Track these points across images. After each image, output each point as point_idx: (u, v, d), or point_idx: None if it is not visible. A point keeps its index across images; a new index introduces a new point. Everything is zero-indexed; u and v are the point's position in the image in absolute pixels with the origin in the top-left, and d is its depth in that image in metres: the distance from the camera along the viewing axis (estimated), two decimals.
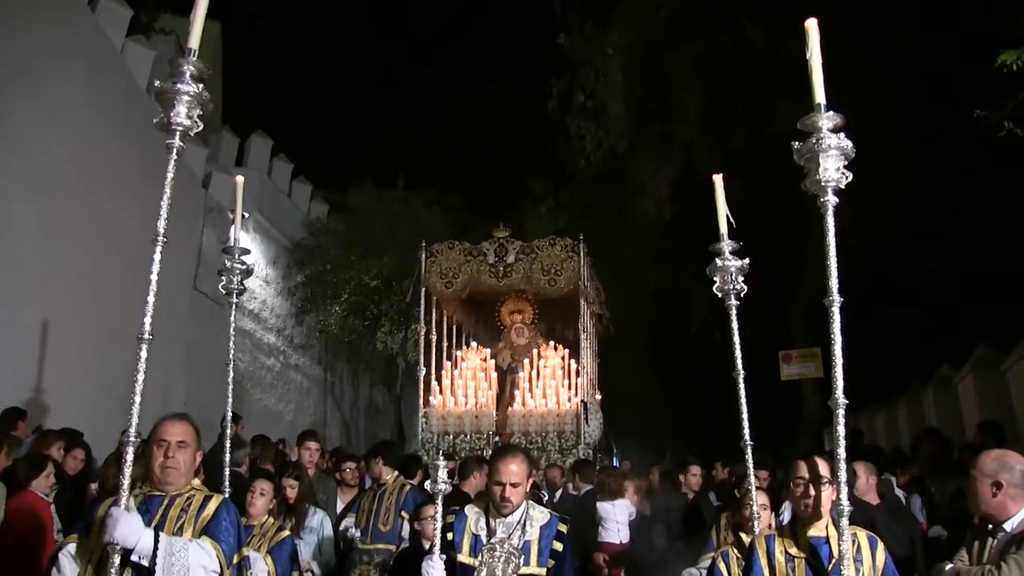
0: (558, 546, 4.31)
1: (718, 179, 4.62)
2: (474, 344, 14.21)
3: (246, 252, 5.23)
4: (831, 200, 3.41)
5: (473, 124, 28.66)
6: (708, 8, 16.56)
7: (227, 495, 5.24)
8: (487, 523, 4.35)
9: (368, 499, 7.66)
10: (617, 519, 8.41)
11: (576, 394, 12.35)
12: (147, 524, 3.70)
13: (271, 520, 5.97)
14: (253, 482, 6.09)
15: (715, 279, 4.55)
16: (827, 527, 3.84)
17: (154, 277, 3.43)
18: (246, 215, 18.49)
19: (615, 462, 16.80)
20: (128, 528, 3.50)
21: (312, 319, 20.61)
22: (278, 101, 27.98)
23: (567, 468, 10.53)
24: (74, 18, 12.66)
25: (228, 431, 5.46)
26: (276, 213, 20.42)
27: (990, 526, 4.02)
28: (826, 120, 3.38)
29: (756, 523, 4.50)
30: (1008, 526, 3.91)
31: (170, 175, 3.50)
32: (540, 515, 4.44)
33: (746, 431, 4.44)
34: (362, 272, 19.76)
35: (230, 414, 5.37)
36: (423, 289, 12.88)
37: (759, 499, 4.96)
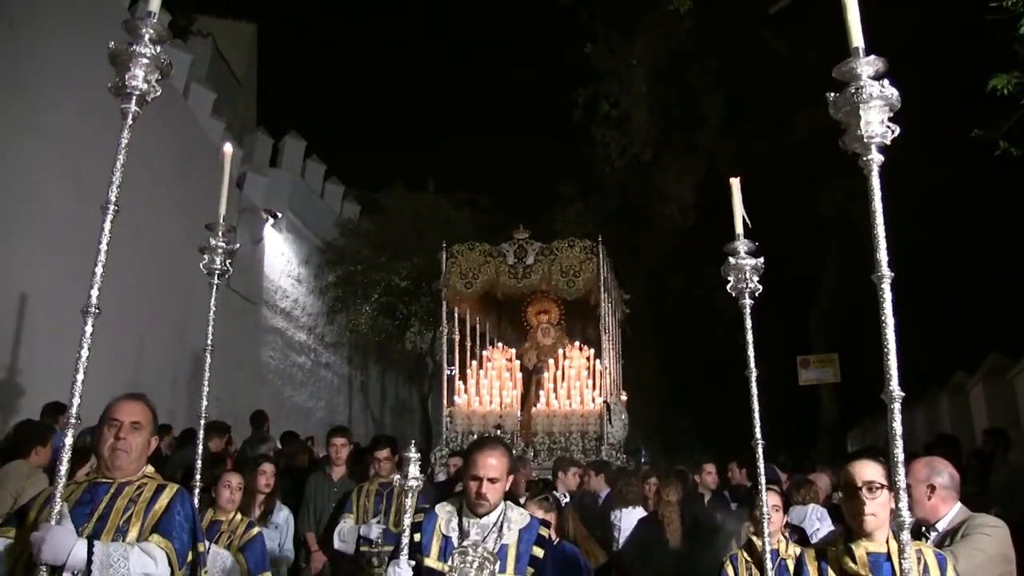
0: (538, 552, 3.81)
1: (735, 182, 4.49)
2: (500, 344, 14.24)
3: (232, 230, 4.79)
4: (876, 159, 2.81)
5: (503, 127, 28.85)
6: (730, 19, 16.56)
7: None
8: (460, 524, 3.86)
9: (369, 499, 7.18)
10: (625, 527, 8.06)
11: (600, 395, 12.35)
12: (89, 514, 3.38)
13: (239, 516, 5.63)
14: (222, 475, 5.79)
15: (729, 278, 4.37)
16: (888, 541, 3.36)
17: (103, 247, 3.11)
18: (279, 215, 18.69)
19: (643, 462, 16.77)
20: (56, 544, 3.05)
21: (343, 318, 20.71)
22: (312, 102, 28.24)
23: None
24: (114, 21, 12.79)
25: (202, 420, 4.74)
26: (308, 213, 20.58)
27: (924, 528, 4.05)
28: (866, 65, 2.79)
29: (767, 524, 4.23)
30: (940, 526, 4.03)
31: (124, 141, 3.18)
32: (519, 517, 3.95)
33: (757, 430, 4.23)
34: (392, 273, 19.86)
35: (204, 404, 4.75)
36: (444, 289, 12.92)
37: (771, 500, 4.82)
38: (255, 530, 5.56)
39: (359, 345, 22.24)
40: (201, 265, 4.71)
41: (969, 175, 13.79)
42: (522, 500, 5.82)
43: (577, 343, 13.37)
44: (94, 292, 3.09)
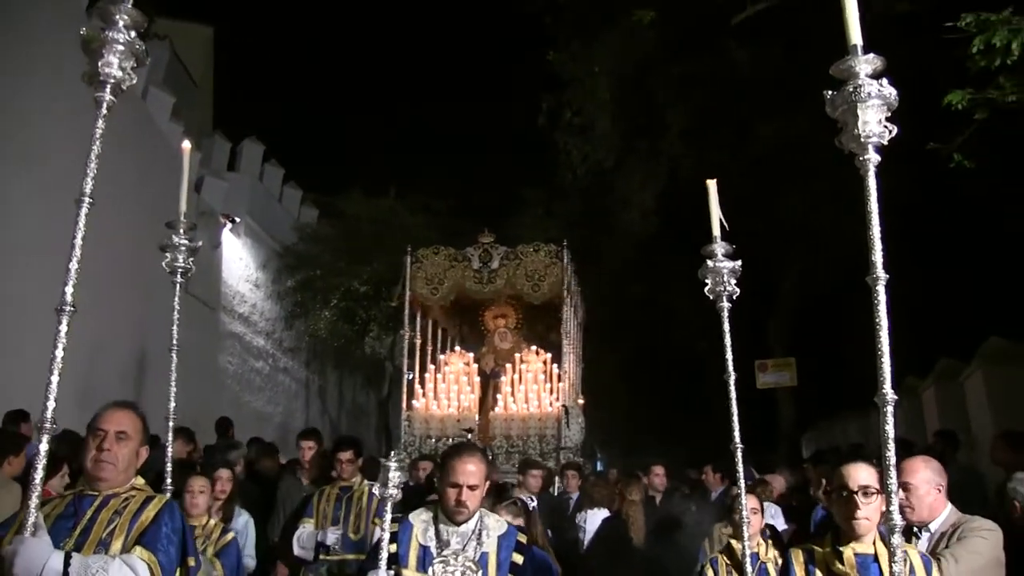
0: (518, 559, 3.81)
1: (712, 184, 4.54)
2: (458, 348, 14.23)
3: (193, 227, 4.69)
4: (872, 159, 2.78)
5: (465, 132, 28.83)
6: (694, 28, 16.70)
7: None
8: (436, 532, 3.80)
9: (329, 503, 6.99)
10: (590, 528, 8.08)
11: (558, 398, 12.38)
12: (72, 528, 3.21)
13: (214, 521, 5.62)
14: (187, 480, 5.63)
15: (707, 281, 4.39)
16: (875, 543, 3.40)
17: (79, 241, 3.01)
18: (237, 220, 18.57)
19: (598, 467, 16.87)
20: (30, 556, 2.90)
21: (302, 323, 20.61)
22: (270, 105, 28.07)
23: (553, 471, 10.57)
24: (73, 25, 12.69)
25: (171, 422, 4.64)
26: (267, 217, 20.48)
27: (916, 528, 4.06)
28: (864, 64, 2.76)
29: (746, 528, 4.23)
30: (933, 526, 4.04)
31: (99, 131, 3.06)
32: (496, 524, 3.93)
33: (736, 434, 4.22)
34: (352, 278, 19.77)
35: (173, 404, 4.66)
36: (408, 294, 12.85)
37: (749, 503, 4.79)
38: (230, 535, 5.53)
39: (317, 350, 22.14)
40: (163, 264, 4.59)
41: (924, 186, 14.03)
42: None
43: (535, 347, 13.38)
44: (68, 289, 3.01)
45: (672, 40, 16.87)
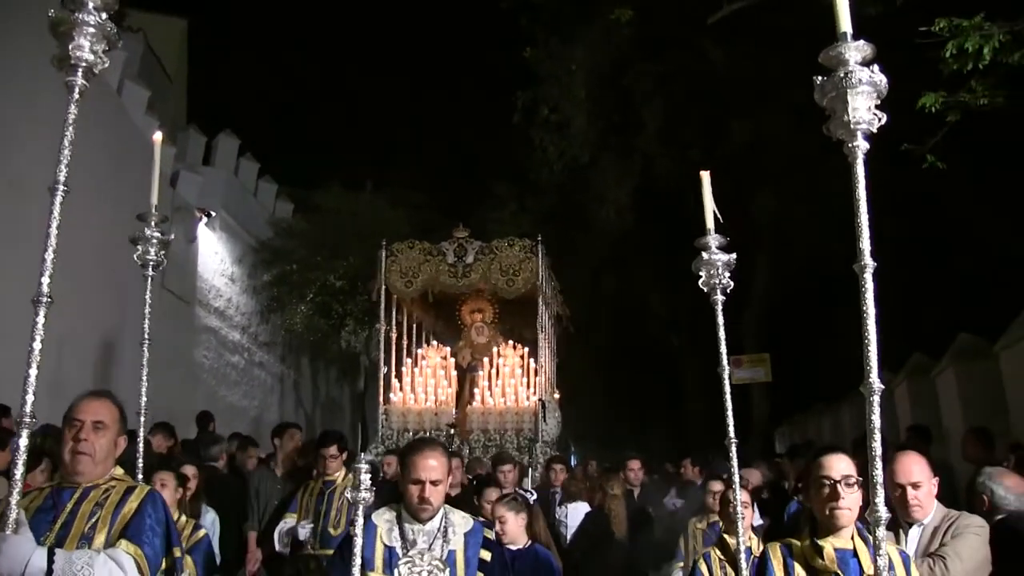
0: (486, 555, 3.69)
1: (705, 175, 4.36)
2: (435, 342, 14.27)
3: (165, 220, 4.56)
4: (861, 146, 2.71)
5: (440, 127, 28.81)
6: (669, 28, 16.82)
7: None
8: (401, 532, 3.67)
9: (311, 498, 6.92)
10: (572, 523, 8.14)
11: (535, 393, 12.44)
12: (51, 522, 3.14)
13: (184, 518, 5.42)
14: (153, 474, 5.37)
15: (700, 273, 4.22)
16: (853, 538, 3.30)
17: (53, 231, 2.92)
18: (212, 214, 18.48)
19: (572, 460, 16.94)
20: (12, 553, 2.81)
21: (277, 317, 20.56)
22: (244, 99, 27.93)
23: (527, 465, 10.64)
24: (46, 10, 12.59)
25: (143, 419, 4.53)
26: (242, 212, 20.37)
27: (908, 524, 4.08)
28: (854, 51, 2.69)
29: (740, 523, 4.12)
30: (925, 521, 4.08)
31: (71, 116, 2.96)
32: (462, 521, 3.79)
33: (731, 428, 4.07)
34: (328, 272, 19.74)
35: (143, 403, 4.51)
36: (383, 288, 12.87)
37: (742, 497, 4.84)
38: (202, 532, 5.38)
39: (293, 344, 22.08)
40: (135, 256, 4.44)
41: (896, 185, 14.22)
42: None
43: (511, 342, 13.43)
44: (45, 280, 2.92)
45: (649, 38, 16.98)
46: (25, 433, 2.78)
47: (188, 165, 18.39)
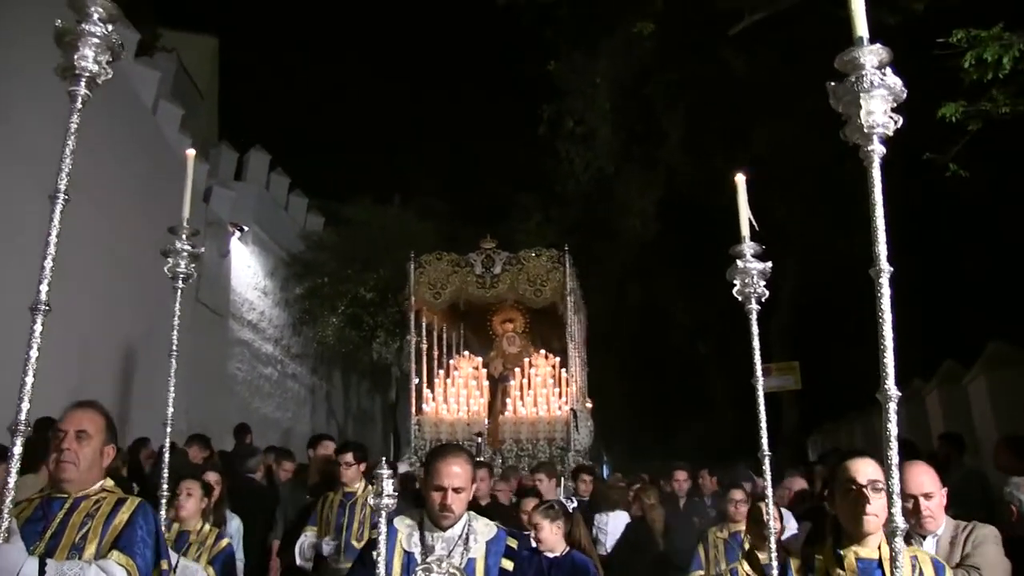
0: (508, 565, 3.55)
1: (740, 179, 4.23)
2: (466, 353, 14.32)
3: (196, 233, 4.55)
4: (877, 150, 2.63)
5: (467, 139, 28.98)
6: (690, 38, 16.92)
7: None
8: (422, 538, 3.59)
9: (331, 510, 6.73)
10: (612, 531, 8.15)
11: (566, 402, 12.46)
12: (41, 532, 3.13)
13: (208, 527, 5.40)
14: (179, 483, 5.43)
15: (735, 282, 4.07)
16: (880, 547, 3.08)
17: (53, 239, 2.86)
18: (245, 228, 18.67)
19: (605, 470, 16.95)
20: (4, 563, 2.79)
21: (310, 330, 20.72)
22: (274, 113, 28.21)
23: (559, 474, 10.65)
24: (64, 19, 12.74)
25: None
26: (274, 226, 20.59)
27: (918, 534, 3.96)
28: (870, 55, 2.62)
29: (772, 536, 3.93)
30: (939, 531, 4.02)
31: (73, 125, 2.94)
32: (485, 528, 3.67)
33: (764, 441, 3.96)
34: (358, 284, 19.87)
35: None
36: (412, 299, 12.94)
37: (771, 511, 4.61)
38: (224, 541, 5.35)
39: (324, 356, 22.23)
40: (165, 269, 4.47)
41: (925, 194, 14.19)
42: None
43: (543, 351, 13.46)
44: (43, 287, 2.83)
45: (671, 48, 17.06)
46: (19, 441, 2.75)
47: (220, 181, 18.64)
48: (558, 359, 13.09)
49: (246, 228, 18.80)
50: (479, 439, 11.59)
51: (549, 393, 12.67)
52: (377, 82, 33.37)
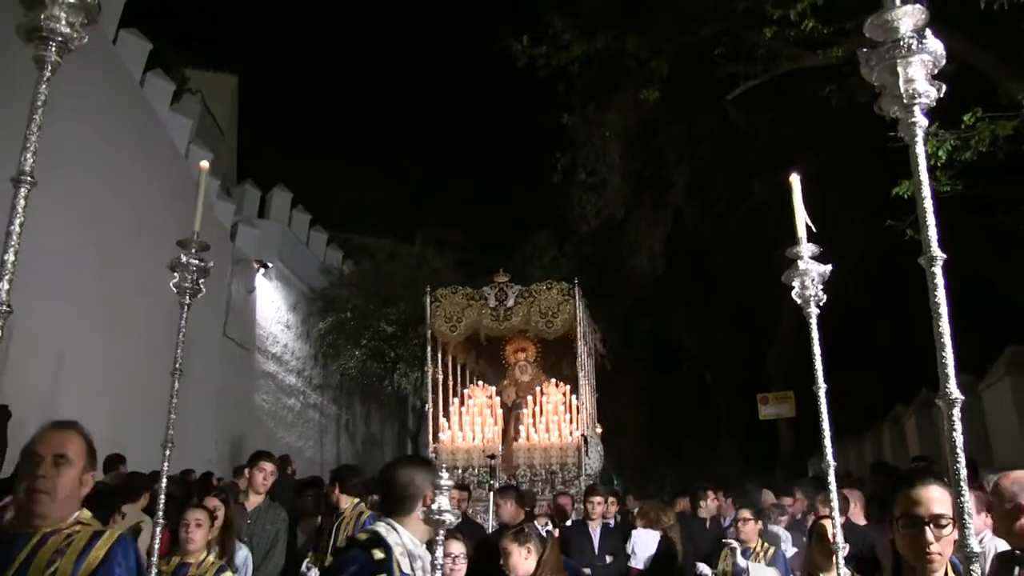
0: None
1: (795, 179, 3.85)
2: (480, 382, 14.50)
3: (206, 248, 4.16)
4: (920, 122, 2.20)
5: (487, 179, 29.39)
6: (694, 92, 17.48)
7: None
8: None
9: (325, 533, 6.61)
10: (648, 547, 8.26)
11: (577, 428, 12.64)
12: (1, 573, 2.62)
13: (211, 558, 4.97)
14: (185, 514, 5.03)
15: (793, 285, 3.73)
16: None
17: (16, 228, 2.13)
18: (269, 265, 19.02)
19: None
20: None
21: (333, 362, 20.99)
22: (290, 149, 28.53)
23: (575, 495, 10.88)
24: (122, 85, 13.15)
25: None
26: (296, 261, 20.95)
27: (1017, 552, 3.34)
28: (906, 17, 2.19)
29: (841, 556, 3.56)
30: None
31: (42, 96, 2.21)
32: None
33: (829, 455, 3.63)
34: (380, 319, 20.19)
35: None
36: (429, 332, 13.17)
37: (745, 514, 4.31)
38: (227, 574, 4.99)
39: (345, 386, 22.48)
40: (171, 284, 4.05)
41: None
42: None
43: (553, 380, 13.65)
44: (3, 286, 2.18)
45: (676, 104, 17.63)
46: None
47: (245, 219, 18.96)
48: (568, 387, 13.26)
49: (270, 264, 19.16)
50: (492, 461, 11.76)
51: (560, 420, 12.82)
52: (392, 119, 33.80)
